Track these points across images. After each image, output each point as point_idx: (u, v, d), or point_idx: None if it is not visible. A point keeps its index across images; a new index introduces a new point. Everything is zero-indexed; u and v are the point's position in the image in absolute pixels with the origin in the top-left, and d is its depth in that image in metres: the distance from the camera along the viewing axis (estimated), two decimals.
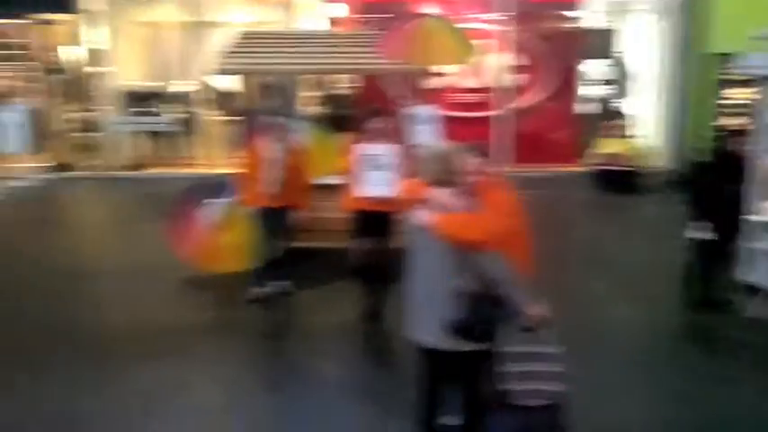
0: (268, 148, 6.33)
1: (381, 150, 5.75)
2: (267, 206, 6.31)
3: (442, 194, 3.70)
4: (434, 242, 3.62)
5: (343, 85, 11.87)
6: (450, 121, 8.37)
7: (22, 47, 12.73)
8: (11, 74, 14.33)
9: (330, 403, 4.96)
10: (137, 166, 12.47)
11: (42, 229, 9.49)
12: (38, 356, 5.64)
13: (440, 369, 3.88)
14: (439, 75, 11.18)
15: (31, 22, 12.27)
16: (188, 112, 12.34)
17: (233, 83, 11.36)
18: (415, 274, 3.81)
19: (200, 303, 6.76)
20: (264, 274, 6.45)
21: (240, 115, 10.98)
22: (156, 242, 7.49)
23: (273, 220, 6.34)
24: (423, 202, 3.72)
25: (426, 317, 3.75)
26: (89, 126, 12.58)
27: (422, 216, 3.68)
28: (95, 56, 12.33)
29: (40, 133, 12.24)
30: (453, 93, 11.79)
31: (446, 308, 3.63)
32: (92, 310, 6.55)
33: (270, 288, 6.46)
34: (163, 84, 12.44)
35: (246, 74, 7.76)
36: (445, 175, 3.74)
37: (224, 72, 8.05)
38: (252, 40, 7.73)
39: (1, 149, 11.77)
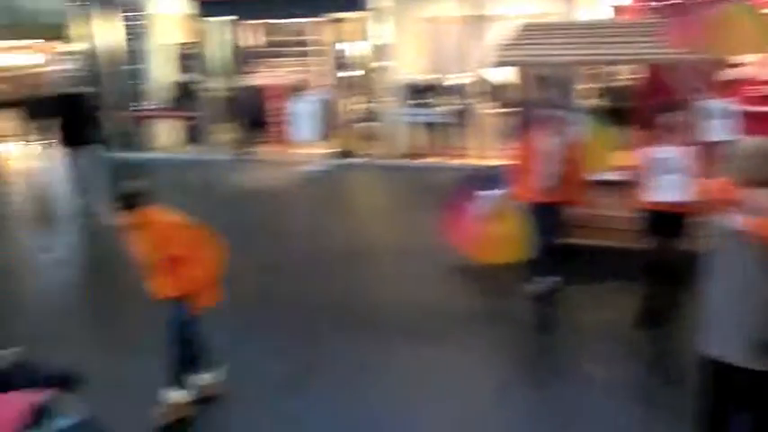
0: (544, 141, 6.21)
1: (672, 153, 5.42)
2: (541, 201, 6.20)
3: (761, 196, 3.28)
4: (747, 249, 3.23)
5: (623, 76, 11.28)
6: (749, 116, 7.55)
7: (315, 43, 14.01)
8: (305, 68, 15.88)
9: (596, 407, 4.74)
10: (413, 156, 13.06)
11: (326, 211, 10.37)
12: (314, 328, 6.12)
13: (733, 389, 3.50)
14: (737, 65, 10.12)
15: (323, 20, 13.44)
16: (463, 105, 12.62)
17: (508, 75, 11.42)
18: (717, 281, 3.42)
19: (468, 291, 6.89)
20: (537, 270, 6.37)
21: (515, 107, 11.00)
22: (429, 228, 7.77)
23: (547, 215, 6.21)
24: (735, 205, 3.33)
25: (728, 329, 3.36)
26: (371, 116, 13.47)
27: (735, 219, 3.28)
28: (380, 51, 13.14)
29: (329, 123, 13.36)
30: (752, 85, 10.59)
31: (755, 322, 3.24)
32: (365, 289, 6.99)
33: (543, 284, 6.37)
34: (440, 77, 12.87)
35: (524, 65, 7.70)
36: (763, 175, 3.33)
37: (501, 64, 8.05)
38: (531, 32, 7.65)
39: (296, 137, 13.03)
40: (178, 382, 4.59)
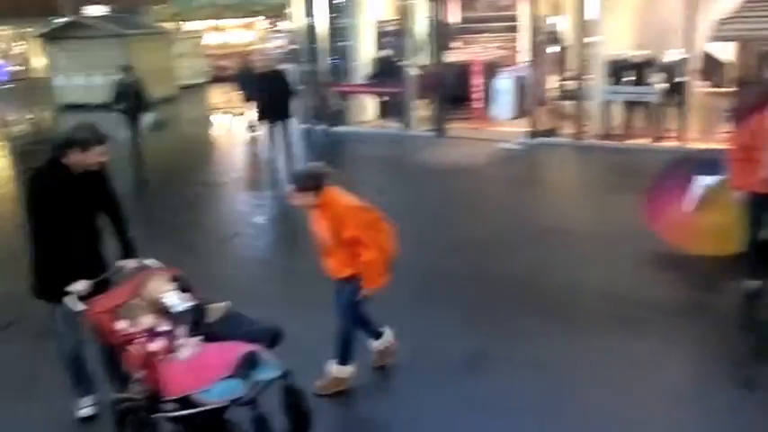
0: None
1: None
2: (764, 193, 5.61)
3: None
4: None
5: None
6: None
7: (516, 18, 13.68)
8: (506, 43, 15.64)
9: None
10: (616, 136, 12.41)
11: (520, 190, 10.20)
12: (499, 308, 6.00)
13: None
14: None
15: None
16: (675, 83, 11.73)
17: (728, 51, 10.45)
18: None
19: (670, 281, 6.45)
20: (755, 266, 5.81)
21: (736, 86, 10.06)
22: (628, 212, 7.38)
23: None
24: None
25: None
26: (573, 94, 12.95)
27: None
28: (585, 25, 12.54)
29: (528, 100, 13.05)
30: None
31: None
32: (556, 271, 6.75)
33: (756, 281, 5.82)
34: (650, 53, 12.04)
35: (747, 40, 6.99)
36: None
37: (721, 39, 7.38)
38: (755, 4, 6.92)
39: (494, 114, 12.86)
40: (342, 358, 4.72)
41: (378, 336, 4.97)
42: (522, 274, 6.74)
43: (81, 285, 4.07)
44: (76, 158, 4.10)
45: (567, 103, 13.38)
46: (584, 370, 4.97)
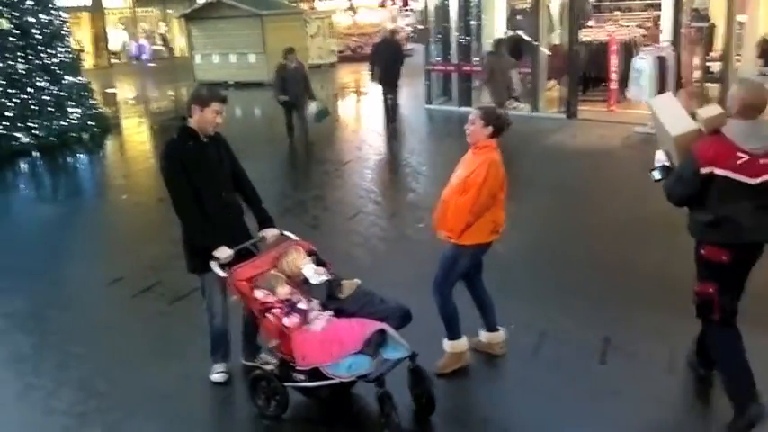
0: None
1: None
2: None
3: None
4: None
5: None
6: None
7: None
8: (645, 22, 14.87)
9: None
10: None
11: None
12: (624, 298, 5.71)
13: None
14: None
15: None
16: None
17: None
18: None
19: None
20: None
21: None
22: None
23: None
24: None
25: None
26: (719, 76, 12.15)
27: None
28: (734, 2, 11.70)
29: (668, 81, 12.33)
30: None
31: None
32: (688, 264, 6.32)
33: None
34: None
35: None
36: None
37: None
38: None
39: (631, 96, 12.26)
40: (451, 333, 4.64)
41: (491, 329, 4.86)
42: (653, 264, 6.39)
43: (222, 253, 4.22)
44: (196, 116, 4.24)
45: (711, 85, 12.57)
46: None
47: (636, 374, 4.64)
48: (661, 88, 11.59)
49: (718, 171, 3.63)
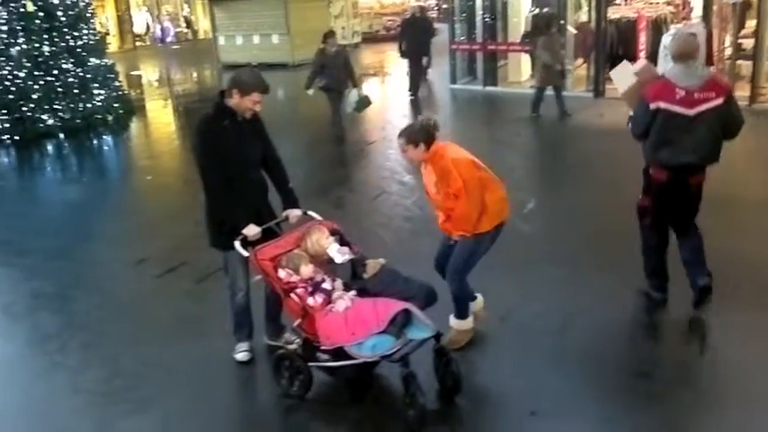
0: None
1: None
2: None
3: None
4: None
5: None
6: None
7: None
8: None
9: None
10: None
11: None
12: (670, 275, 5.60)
13: None
14: None
15: None
16: None
17: None
18: None
19: None
20: None
21: None
22: None
23: None
24: None
25: None
26: (751, 53, 11.82)
27: None
28: None
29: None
30: None
31: None
32: (728, 239, 6.13)
33: None
34: None
35: None
36: None
37: None
38: None
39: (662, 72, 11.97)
40: (460, 314, 4.62)
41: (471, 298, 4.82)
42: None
43: (251, 231, 4.19)
44: (235, 100, 4.18)
45: (742, 62, 12.25)
46: (752, 350, 4.52)
47: (665, 352, 4.57)
48: None
49: (662, 105, 4.55)
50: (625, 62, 5.36)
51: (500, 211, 4.42)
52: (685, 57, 4.59)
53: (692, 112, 4.51)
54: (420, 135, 4.29)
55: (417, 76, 14.82)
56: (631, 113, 4.95)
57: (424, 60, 14.49)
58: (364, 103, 11.03)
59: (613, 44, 13.69)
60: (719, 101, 4.54)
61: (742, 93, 11.82)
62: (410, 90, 14.84)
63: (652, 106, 4.57)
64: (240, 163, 4.26)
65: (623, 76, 5.00)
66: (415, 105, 14.09)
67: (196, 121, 4.36)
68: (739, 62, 12.53)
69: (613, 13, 13.97)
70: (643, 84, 4.73)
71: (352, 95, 10.84)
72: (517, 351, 4.66)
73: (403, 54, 14.69)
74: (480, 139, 10.82)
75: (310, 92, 10.81)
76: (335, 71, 10.57)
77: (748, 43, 12.06)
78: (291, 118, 13.65)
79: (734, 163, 9.16)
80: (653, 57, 12.74)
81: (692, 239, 4.92)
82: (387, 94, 16.84)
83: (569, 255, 6.17)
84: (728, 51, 12.63)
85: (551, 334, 4.82)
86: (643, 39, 13.08)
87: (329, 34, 10.85)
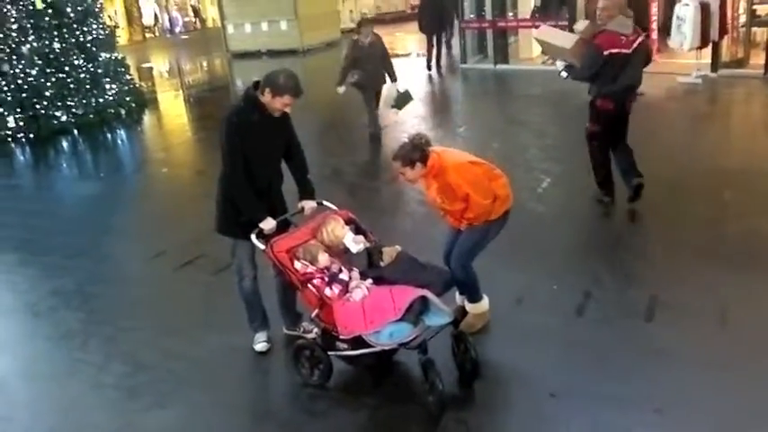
0: None
1: None
2: None
3: None
4: None
5: None
6: None
7: None
8: None
9: None
10: None
11: (700, 127, 9.39)
12: (674, 256, 5.54)
13: None
14: None
15: None
16: None
17: None
18: None
19: None
20: None
21: None
22: None
23: None
24: None
25: None
26: (764, 19, 11.62)
27: None
28: None
29: (713, 28, 11.83)
30: None
31: None
32: (746, 214, 6.10)
33: None
34: None
35: None
36: None
37: None
38: None
39: (674, 45, 11.79)
40: (472, 298, 4.63)
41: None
42: (703, 217, 6.23)
43: (268, 224, 4.21)
44: (266, 98, 4.18)
45: (757, 30, 12.03)
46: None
47: (683, 332, 4.53)
48: (704, 35, 11.16)
49: (614, 50, 5.98)
50: (546, 26, 7.44)
51: (506, 196, 4.41)
52: (616, 12, 6.02)
53: (629, 50, 6.02)
54: (414, 154, 4.21)
55: (437, 51, 15.92)
56: (566, 63, 6.39)
57: (444, 35, 16.11)
58: (405, 99, 10.06)
59: None
60: (641, 38, 6.16)
61: (757, 60, 11.64)
62: (427, 65, 15.74)
63: (606, 53, 5.98)
64: (263, 157, 4.29)
65: (559, 36, 6.62)
66: (430, 81, 14.79)
67: (227, 111, 4.34)
68: (754, 29, 12.31)
69: None
70: (585, 39, 6.15)
71: (394, 91, 9.97)
72: (534, 333, 4.65)
73: (422, 29, 15.81)
74: (491, 120, 10.76)
75: (341, 89, 9.75)
76: (370, 65, 9.50)
77: (763, 9, 11.84)
78: (302, 103, 13.57)
79: (751, 135, 9.07)
80: (664, 27, 12.57)
81: (625, 151, 6.44)
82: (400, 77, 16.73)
83: (585, 234, 6.13)
84: (743, 19, 12.39)
85: (568, 314, 4.81)
86: (655, 10, 12.86)
87: (363, 23, 9.91)
